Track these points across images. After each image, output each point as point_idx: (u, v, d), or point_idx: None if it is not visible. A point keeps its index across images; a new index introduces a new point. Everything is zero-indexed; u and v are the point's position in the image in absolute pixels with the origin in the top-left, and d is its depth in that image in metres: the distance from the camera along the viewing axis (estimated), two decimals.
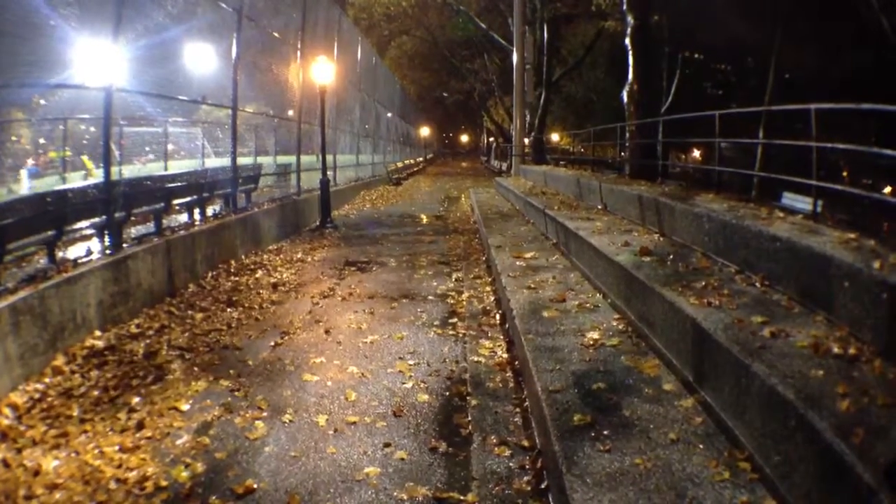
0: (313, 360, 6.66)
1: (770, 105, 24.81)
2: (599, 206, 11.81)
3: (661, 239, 8.04)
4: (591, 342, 5.75)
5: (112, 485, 4.17)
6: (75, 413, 5.18)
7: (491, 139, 68.36)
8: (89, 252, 7.64)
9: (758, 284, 5.49)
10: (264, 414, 5.34)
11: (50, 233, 7.15)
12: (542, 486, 4.15)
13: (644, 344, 5.65)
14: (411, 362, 6.61)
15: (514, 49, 26.33)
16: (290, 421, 5.21)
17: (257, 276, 10.43)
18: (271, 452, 4.69)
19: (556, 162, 26.59)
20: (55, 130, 16.18)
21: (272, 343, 7.19)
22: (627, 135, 16.19)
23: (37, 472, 4.26)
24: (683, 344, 4.95)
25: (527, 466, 4.44)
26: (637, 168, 14.97)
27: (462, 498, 4.11)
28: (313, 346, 7.09)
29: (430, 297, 9.30)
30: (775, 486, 3.38)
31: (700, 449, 3.80)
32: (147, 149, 19.85)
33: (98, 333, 6.88)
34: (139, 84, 9.84)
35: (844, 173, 23.65)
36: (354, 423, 5.18)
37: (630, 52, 15.36)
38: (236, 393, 5.77)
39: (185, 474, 4.34)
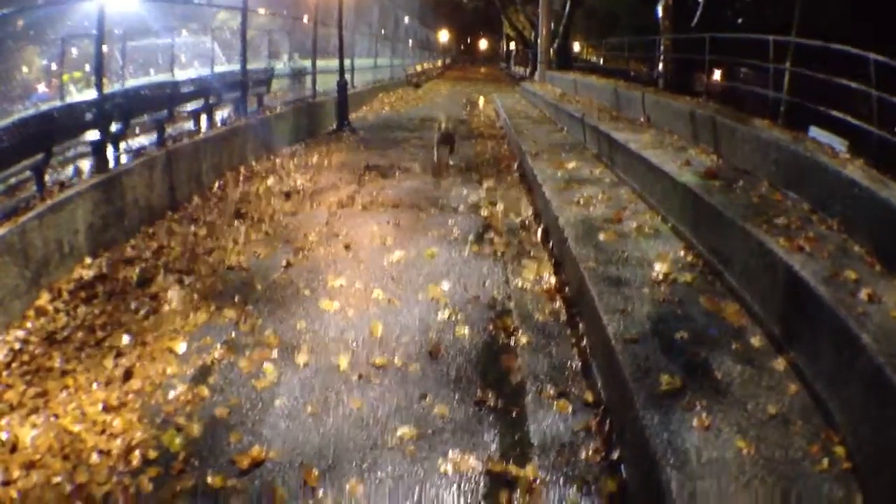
0: (331, 282, 5.84)
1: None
2: (641, 119, 10.93)
3: (720, 161, 7.19)
4: (661, 276, 4.93)
5: (94, 458, 3.39)
6: (56, 364, 4.35)
7: (511, 46, 66.38)
8: (77, 172, 6.83)
9: (835, 229, 4.74)
10: (274, 354, 4.55)
11: (38, 157, 6.25)
12: (614, 457, 3.41)
13: (720, 284, 4.83)
14: (446, 286, 5.80)
15: None
16: (305, 364, 4.43)
17: (268, 183, 9.50)
18: (282, 407, 3.91)
19: (582, 71, 25.54)
20: (67, 54, 15.36)
21: (284, 262, 6.37)
22: (662, 48, 16.01)
23: (14, 448, 3.46)
24: (773, 292, 4.17)
25: (592, 429, 3.69)
26: (672, 82, 14.74)
27: (521, 473, 3.35)
28: (331, 265, 6.31)
29: (460, 208, 8.46)
30: (867, 483, 2.78)
31: (798, 428, 3.12)
32: (159, 61, 19.08)
33: (88, 261, 6.02)
34: None
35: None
36: (383, 366, 4.40)
37: None
38: (241, 326, 4.98)
39: (178, 441, 3.54)
